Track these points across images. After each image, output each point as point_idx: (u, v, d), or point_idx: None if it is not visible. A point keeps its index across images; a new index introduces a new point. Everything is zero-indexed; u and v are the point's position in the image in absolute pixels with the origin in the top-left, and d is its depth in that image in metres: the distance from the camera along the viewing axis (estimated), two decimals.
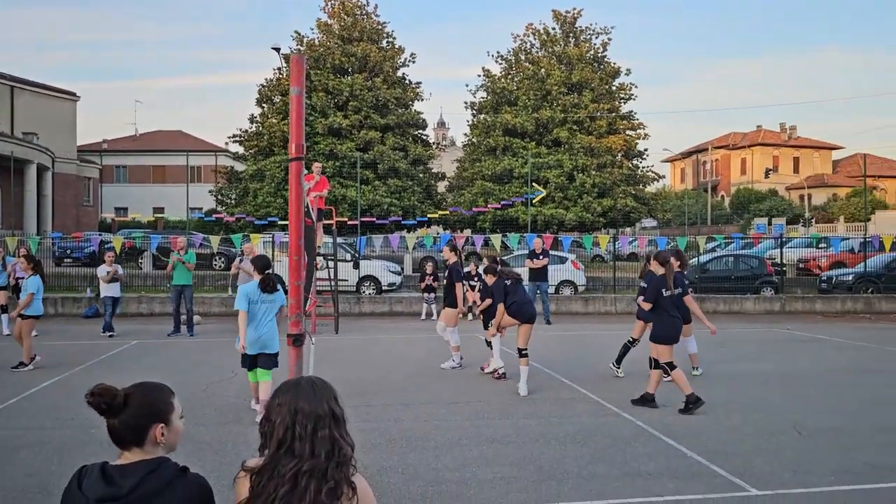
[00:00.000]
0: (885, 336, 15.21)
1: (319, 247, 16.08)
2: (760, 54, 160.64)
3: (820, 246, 30.03)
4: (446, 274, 11.05)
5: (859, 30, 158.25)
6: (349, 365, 11.01)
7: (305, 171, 15.58)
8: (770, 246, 28.34)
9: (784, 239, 24.98)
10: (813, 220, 52.91)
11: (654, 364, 8.22)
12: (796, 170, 74.33)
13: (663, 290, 8.07)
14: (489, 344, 10.31)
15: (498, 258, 10.69)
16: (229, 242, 22.85)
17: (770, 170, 73.46)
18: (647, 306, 8.16)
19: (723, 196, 72.02)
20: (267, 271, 7.60)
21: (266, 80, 35.77)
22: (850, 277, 22.37)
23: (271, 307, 7.50)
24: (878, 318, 19.49)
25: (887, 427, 7.39)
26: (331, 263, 15.70)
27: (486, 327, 10.26)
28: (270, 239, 21.08)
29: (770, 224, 49.11)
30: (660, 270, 8.23)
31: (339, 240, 20.49)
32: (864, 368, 11.09)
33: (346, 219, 27.53)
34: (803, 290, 23.01)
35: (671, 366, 8.01)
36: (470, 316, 18.20)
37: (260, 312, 7.44)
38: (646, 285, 8.53)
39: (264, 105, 35.66)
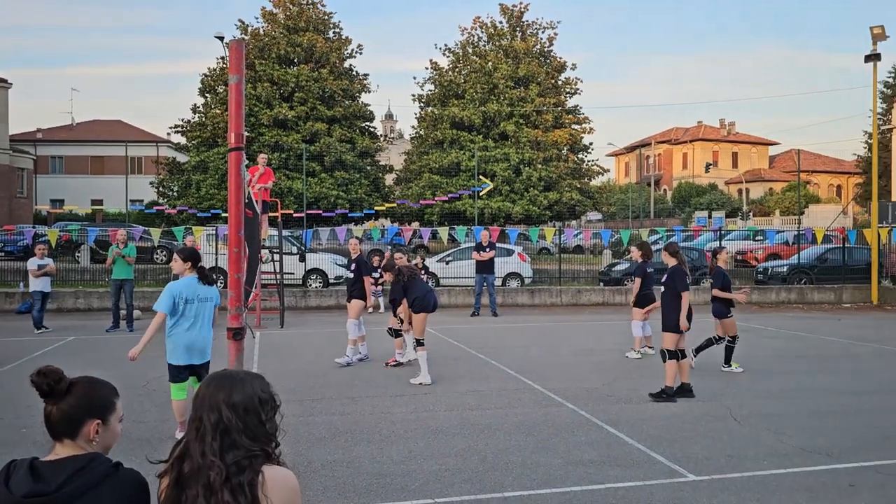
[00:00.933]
0: (816, 325, 15.81)
1: (264, 239, 15.84)
2: (702, 51, 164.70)
3: (757, 238, 30.97)
4: (353, 267, 10.93)
5: (796, 30, 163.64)
6: (294, 359, 10.90)
7: (250, 163, 15.33)
8: (710, 238, 29.10)
9: (723, 232, 25.70)
10: (750, 214, 54.60)
11: (669, 355, 8.22)
12: (735, 164, 76.57)
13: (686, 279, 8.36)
14: (391, 332, 10.48)
15: (405, 251, 10.60)
16: (171, 235, 22.31)
17: (710, 164, 75.37)
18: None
19: (665, 190, 73.66)
20: (200, 264, 6.49)
21: (209, 69, 35.05)
22: (785, 269, 23.17)
23: (208, 305, 6.40)
24: (810, 308, 20.24)
25: (817, 412, 7.69)
26: (276, 256, 15.49)
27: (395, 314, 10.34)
28: (214, 232, 20.66)
29: (710, 217, 50.53)
30: (672, 261, 8.38)
31: (285, 232, 20.23)
32: (795, 356, 11.52)
33: (292, 211, 27.19)
34: (741, 282, 23.69)
35: (672, 354, 8.16)
36: (370, 309, 17.87)
37: (206, 311, 6.34)
38: (713, 279, 9.05)
39: (207, 95, 34.92)
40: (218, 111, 33.11)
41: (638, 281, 11.14)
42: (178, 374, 6.36)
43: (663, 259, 8.83)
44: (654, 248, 12.30)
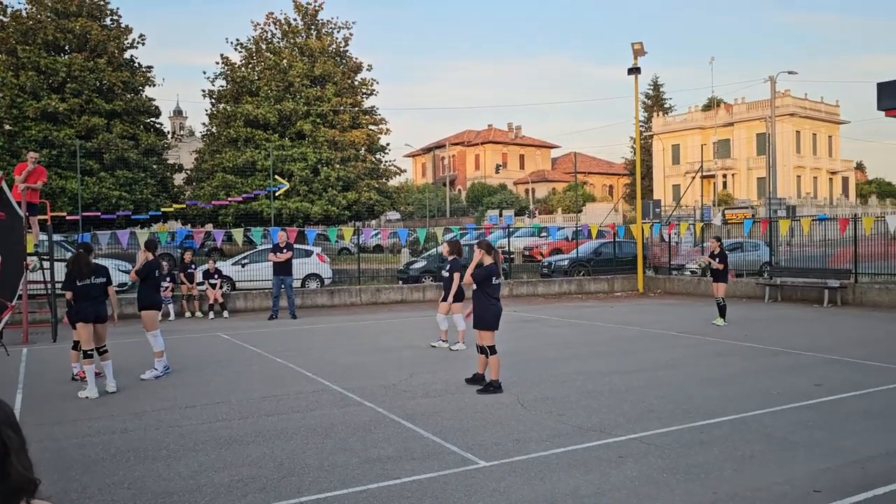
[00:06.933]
0: (592, 313, 17.32)
1: (36, 245, 14.30)
2: (488, 58, 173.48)
3: (542, 235, 33.30)
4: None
5: (571, 43, 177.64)
6: (68, 376, 9.91)
7: (15, 161, 13.69)
8: (500, 235, 30.76)
9: (512, 229, 27.29)
10: (536, 212, 58.57)
11: (482, 350, 8.60)
12: (522, 166, 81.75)
13: (493, 278, 8.54)
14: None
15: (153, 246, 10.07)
16: None
17: (500, 165, 79.72)
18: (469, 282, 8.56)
19: (460, 190, 76.74)
20: None
21: None
22: (566, 263, 25.13)
23: None
24: (587, 297, 22.12)
25: (591, 392, 8.43)
26: (46, 264, 14.03)
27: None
28: None
29: (501, 215, 53.45)
30: (487, 259, 8.61)
31: (58, 237, 18.37)
32: (574, 342, 12.54)
33: (65, 214, 24.78)
34: (528, 276, 25.35)
35: (493, 350, 8.49)
36: (210, 314, 17.46)
37: None
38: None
39: None
40: None
41: (457, 276, 11.38)
42: None
43: (478, 257, 9.07)
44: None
